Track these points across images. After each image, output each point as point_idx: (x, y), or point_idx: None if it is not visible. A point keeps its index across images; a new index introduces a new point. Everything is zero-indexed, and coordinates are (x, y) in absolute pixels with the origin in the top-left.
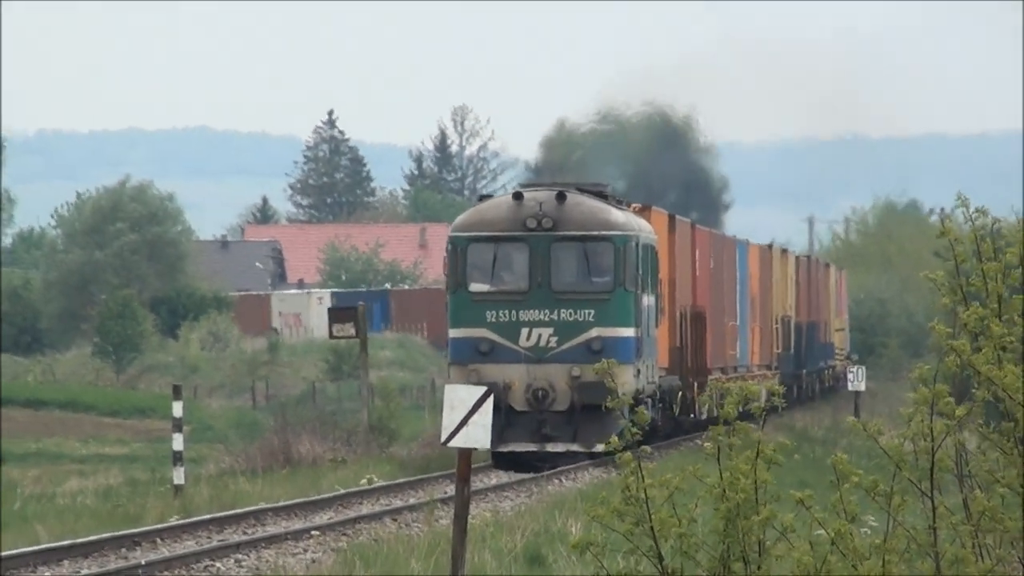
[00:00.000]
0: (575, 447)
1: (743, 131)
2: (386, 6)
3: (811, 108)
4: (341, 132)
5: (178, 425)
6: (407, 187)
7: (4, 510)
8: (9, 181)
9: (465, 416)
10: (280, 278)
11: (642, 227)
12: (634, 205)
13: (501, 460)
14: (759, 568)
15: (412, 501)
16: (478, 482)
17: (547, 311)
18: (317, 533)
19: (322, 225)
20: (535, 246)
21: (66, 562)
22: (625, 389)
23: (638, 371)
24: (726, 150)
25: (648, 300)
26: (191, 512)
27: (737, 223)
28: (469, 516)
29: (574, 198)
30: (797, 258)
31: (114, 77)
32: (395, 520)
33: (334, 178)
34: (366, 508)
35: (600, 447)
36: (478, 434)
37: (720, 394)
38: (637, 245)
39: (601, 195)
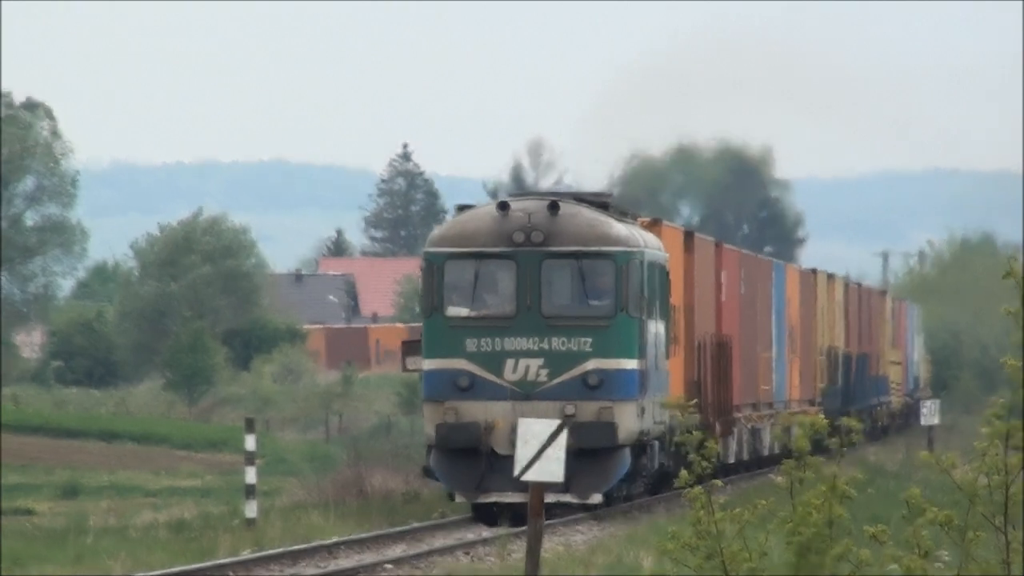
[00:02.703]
0: (568, 498)
1: (817, 164)
2: (461, 41)
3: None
4: (416, 165)
5: (251, 458)
6: None
7: (76, 544)
8: (83, 214)
9: (539, 450)
10: (353, 311)
11: (649, 243)
12: (642, 219)
13: (482, 512)
14: None
15: (485, 535)
16: (547, 530)
17: (536, 339)
18: (390, 567)
19: (395, 259)
20: (523, 264)
21: None
22: (627, 430)
23: (643, 409)
24: (800, 184)
25: (656, 327)
26: (264, 545)
27: (811, 257)
28: (541, 549)
29: (569, 209)
30: (847, 284)
31: (188, 109)
32: (468, 554)
33: (409, 211)
34: (439, 542)
35: (598, 498)
36: (552, 468)
37: (751, 432)
38: (642, 263)
39: (602, 206)
